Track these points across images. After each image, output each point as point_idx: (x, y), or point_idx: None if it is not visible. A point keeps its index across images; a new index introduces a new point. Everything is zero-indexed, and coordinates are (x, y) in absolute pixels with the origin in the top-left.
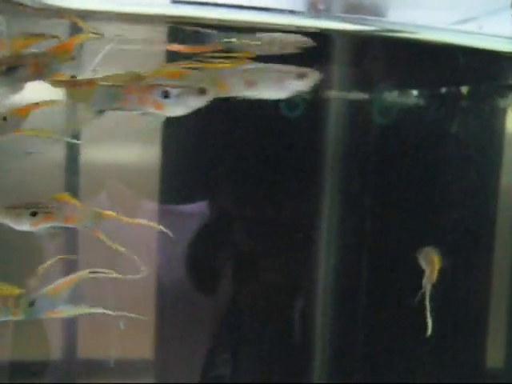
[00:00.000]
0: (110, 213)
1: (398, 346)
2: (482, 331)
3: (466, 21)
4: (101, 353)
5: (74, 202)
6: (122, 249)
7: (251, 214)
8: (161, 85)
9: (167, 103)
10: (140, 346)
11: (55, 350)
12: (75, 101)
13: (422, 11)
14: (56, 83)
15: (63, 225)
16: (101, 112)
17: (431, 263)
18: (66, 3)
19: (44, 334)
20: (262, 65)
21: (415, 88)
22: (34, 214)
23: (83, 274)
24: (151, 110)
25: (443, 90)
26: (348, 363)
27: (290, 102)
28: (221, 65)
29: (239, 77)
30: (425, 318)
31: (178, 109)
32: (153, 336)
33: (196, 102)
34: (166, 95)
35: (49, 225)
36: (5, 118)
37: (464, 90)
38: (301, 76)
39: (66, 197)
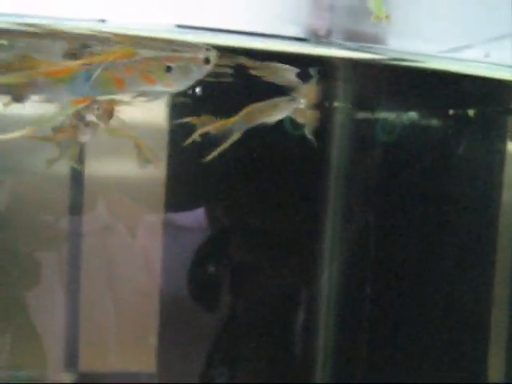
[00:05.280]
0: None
1: (400, 358)
2: (484, 336)
3: (466, 47)
4: (102, 366)
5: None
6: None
7: (254, 227)
8: (161, 59)
9: (170, 77)
10: (142, 359)
11: (57, 363)
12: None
13: (421, 40)
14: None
15: None
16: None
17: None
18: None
19: (45, 346)
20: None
21: (418, 109)
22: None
23: None
24: (154, 87)
25: (448, 111)
26: (350, 376)
27: (294, 120)
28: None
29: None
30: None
31: (182, 82)
32: (155, 349)
33: (198, 73)
34: (168, 69)
35: None
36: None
37: (470, 112)
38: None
39: None
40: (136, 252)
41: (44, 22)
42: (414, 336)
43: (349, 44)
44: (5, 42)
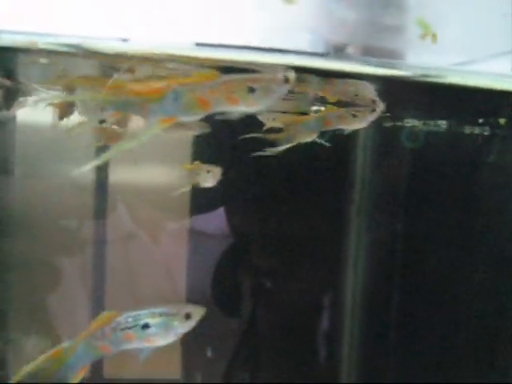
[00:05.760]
0: None
1: (427, 365)
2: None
3: (490, 59)
4: (127, 373)
5: None
6: None
7: (277, 233)
8: (244, 80)
9: (253, 97)
10: (167, 366)
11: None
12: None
13: (442, 53)
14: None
15: None
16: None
17: None
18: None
19: None
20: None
21: (447, 118)
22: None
23: None
24: (238, 107)
25: (478, 119)
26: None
27: None
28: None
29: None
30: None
31: (263, 102)
32: (179, 356)
33: (279, 93)
34: (251, 90)
35: None
36: None
37: (501, 120)
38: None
39: None
40: (159, 258)
41: (70, 41)
42: (440, 342)
43: (372, 60)
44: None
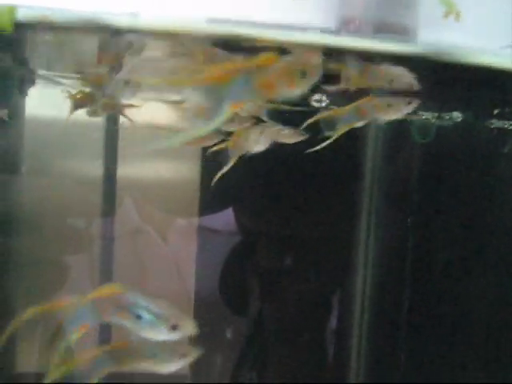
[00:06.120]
0: None
1: (439, 362)
2: None
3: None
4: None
5: None
6: None
7: (286, 230)
8: (297, 64)
9: (304, 81)
10: None
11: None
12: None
13: (455, 32)
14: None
15: None
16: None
17: None
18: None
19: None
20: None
21: (461, 109)
22: None
23: None
24: (294, 91)
25: (493, 110)
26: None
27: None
28: None
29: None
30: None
31: (308, 85)
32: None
33: (318, 75)
34: (302, 74)
35: None
36: None
37: None
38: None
39: None
40: (168, 254)
41: (81, 16)
42: (452, 339)
43: (386, 36)
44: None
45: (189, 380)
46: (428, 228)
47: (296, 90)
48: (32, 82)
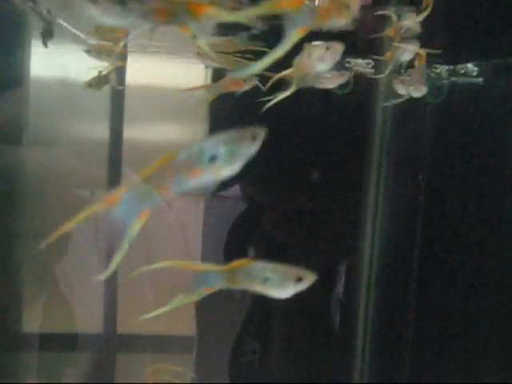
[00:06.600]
0: None
1: (448, 356)
2: None
3: None
4: (141, 328)
5: None
6: None
7: (293, 200)
8: None
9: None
10: (182, 323)
11: (96, 324)
12: None
13: None
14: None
15: None
16: None
17: None
18: None
19: (85, 307)
20: None
21: (477, 61)
22: None
23: None
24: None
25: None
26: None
27: None
28: None
29: None
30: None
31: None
32: (194, 313)
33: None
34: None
35: None
36: None
37: None
38: None
39: None
40: (174, 221)
41: None
42: (464, 330)
43: None
44: None
45: (196, 342)
46: (440, 195)
47: (342, 21)
48: (51, 34)
